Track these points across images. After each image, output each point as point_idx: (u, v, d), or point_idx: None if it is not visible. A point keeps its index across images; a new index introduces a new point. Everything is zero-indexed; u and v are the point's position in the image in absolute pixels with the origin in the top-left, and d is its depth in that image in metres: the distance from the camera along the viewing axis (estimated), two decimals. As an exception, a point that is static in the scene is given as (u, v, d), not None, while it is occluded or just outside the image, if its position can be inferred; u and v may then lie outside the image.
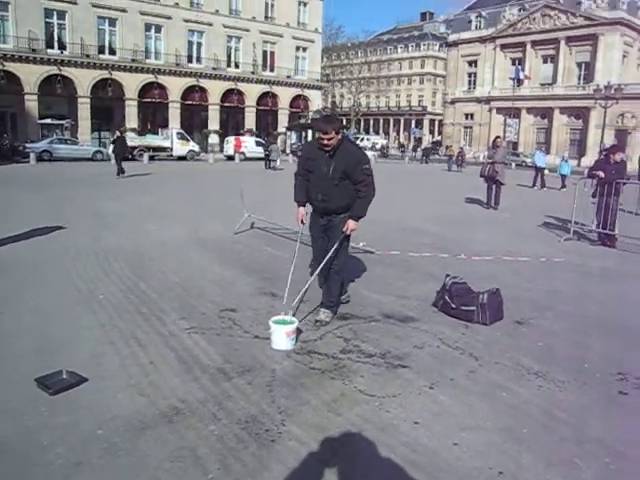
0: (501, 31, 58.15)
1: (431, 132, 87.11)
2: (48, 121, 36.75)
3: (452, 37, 65.06)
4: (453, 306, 5.37)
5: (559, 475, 2.93)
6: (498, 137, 15.54)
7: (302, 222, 5.31)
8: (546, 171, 24.63)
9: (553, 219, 12.35)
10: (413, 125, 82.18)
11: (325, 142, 4.82)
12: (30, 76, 37.89)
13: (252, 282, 6.49)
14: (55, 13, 38.91)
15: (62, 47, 39.46)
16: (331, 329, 4.99)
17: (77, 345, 4.49)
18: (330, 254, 5.08)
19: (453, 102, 63.83)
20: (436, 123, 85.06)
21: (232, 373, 4.03)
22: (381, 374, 4.11)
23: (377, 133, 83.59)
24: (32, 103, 38.24)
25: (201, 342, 4.60)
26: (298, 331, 4.64)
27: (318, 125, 5.05)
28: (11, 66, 37.24)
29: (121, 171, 21.03)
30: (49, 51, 38.69)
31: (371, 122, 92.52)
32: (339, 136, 4.86)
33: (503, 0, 59.80)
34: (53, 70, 38.83)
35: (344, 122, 77.92)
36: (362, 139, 61.58)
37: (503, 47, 58.50)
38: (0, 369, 4.01)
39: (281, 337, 4.45)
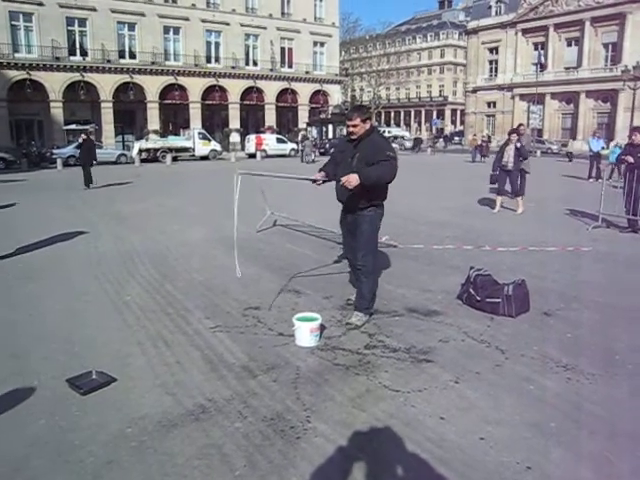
0: (522, 15, 57.15)
1: (453, 122, 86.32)
2: (73, 127, 37.41)
3: (472, 24, 64.14)
4: (478, 299, 5.32)
5: (589, 470, 2.88)
6: (521, 125, 15.30)
7: (315, 180, 5.18)
8: (603, 161, 20.23)
9: (580, 207, 12.13)
10: (434, 116, 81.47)
11: (351, 129, 4.81)
12: (54, 84, 38.73)
13: (275, 280, 6.51)
14: (76, 21, 39.74)
15: (84, 54, 40.26)
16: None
17: (105, 346, 4.57)
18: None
19: (474, 91, 63.05)
20: (458, 113, 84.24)
21: (257, 371, 4.06)
22: (406, 369, 4.09)
23: (398, 125, 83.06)
24: (57, 110, 39.09)
25: (226, 340, 4.64)
26: (322, 327, 4.64)
27: (347, 113, 5.02)
28: (36, 75, 38.18)
29: (89, 180, 18.10)
30: (72, 58, 39.49)
31: (392, 114, 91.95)
32: (366, 125, 4.81)
33: (523, -16, 58.83)
34: (76, 77, 39.61)
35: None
36: (383, 132, 61.29)
37: (525, 32, 57.50)
38: (32, 370, 4.11)
39: (305, 334, 4.46)
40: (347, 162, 4.86)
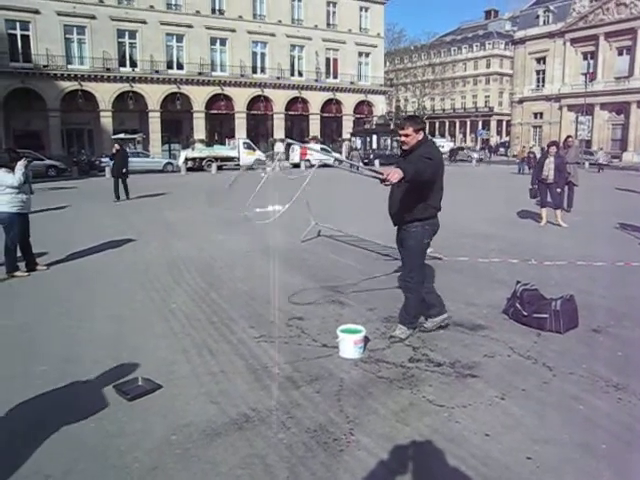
0: (571, 24, 55.93)
1: (498, 133, 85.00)
2: (122, 136, 38.37)
3: (518, 34, 63.13)
4: (525, 313, 5.22)
5: (642, 494, 2.79)
6: (569, 137, 14.97)
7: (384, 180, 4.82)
8: None
9: (631, 221, 11.76)
10: (480, 126, 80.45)
11: (402, 139, 4.73)
12: (105, 94, 39.97)
13: (319, 290, 6.53)
14: (127, 33, 40.92)
15: (133, 65, 41.38)
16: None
17: (151, 353, 4.67)
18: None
19: (521, 101, 61.96)
20: (504, 124, 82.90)
21: (300, 382, 4.08)
22: (450, 384, 4.04)
23: (443, 136, 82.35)
24: (107, 119, 40.28)
25: (270, 350, 4.68)
26: (366, 339, 4.64)
27: (399, 122, 4.92)
28: (88, 86, 39.50)
29: (125, 191, 17.59)
30: (122, 69, 40.66)
31: (436, 125, 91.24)
32: (419, 136, 4.69)
33: (572, -8, 57.70)
34: (125, 87, 40.77)
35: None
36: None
37: (573, 41, 56.25)
38: (82, 375, 4.23)
39: (349, 346, 4.46)
40: None
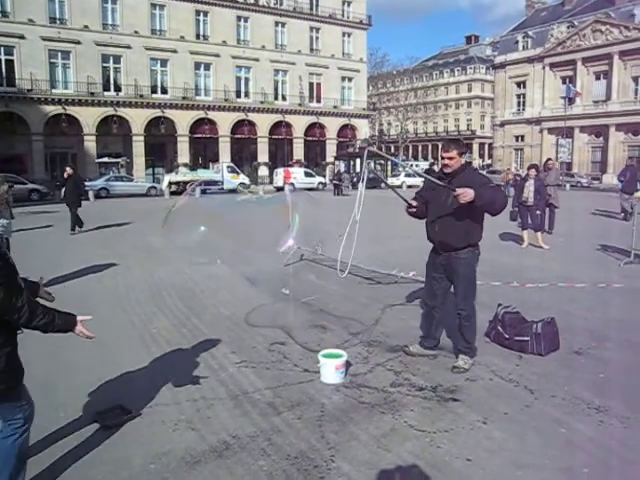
0: (549, 50, 57.23)
1: (481, 156, 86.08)
2: (105, 159, 38.42)
3: (499, 59, 64.44)
4: (506, 336, 5.23)
5: (624, 518, 2.78)
6: (549, 159, 15.18)
7: (411, 206, 4.85)
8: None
9: (612, 243, 11.90)
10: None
11: (446, 162, 4.61)
12: (89, 118, 39.94)
13: (301, 314, 6.49)
14: (111, 58, 41.15)
15: (118, 89, 41.48)
16: (381, 361, 4.94)
17: (131, 379, 4.61)
18: (456, 301, 4.87)
19: (502, 124, 62.97)
20: (486, 147, 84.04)
21: (282, 407, 4.04)
22: (432, 408, 4.03)
23: (425, 159, 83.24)
24: (90, 143, 40.22)
25: (251, 376, 4.63)
26: (347, 364, 4.61)
27: (442, 146, 4.78)
28: (72, 110, 39.48)
29: (77, 223, 14.83)
30: (106, 93, 40.73)
31: (419, 148, 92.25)
32: (462, 160, 4.66)
33: (550, 18, 59.03)
34: (109, 111, 40.80)
35: (392, 149, 78.00)
36: (411, 165, 61.51)
37: (552, 66, 57.48)
38: (59, 402, 4.15)
39: (330, 370, 4.44)
40: (439, 200, 4.64)
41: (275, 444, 3.52)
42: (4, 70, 37.71)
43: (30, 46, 37.83)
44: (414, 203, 4.83)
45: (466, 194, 4.25)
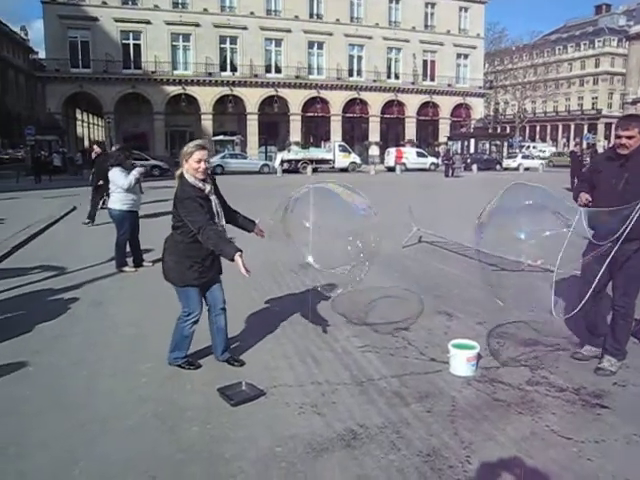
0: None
1: (606, 138, 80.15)
2: (221, 137, 39.81)
3: (634, 29, 59.08)
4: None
5: None
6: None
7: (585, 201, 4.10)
8: None
9: None
10: (585, 130, 76.22)
11: (623, 141, 3.99)
12: (206, 97, 41.65)
13: (424, 300, 6.20)
14: (228, 39, 42.46)
15: (234, 69, 42.82)
16: (514, 356, 4.57)
17: (253, 356, 4.57)
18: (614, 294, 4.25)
19: (634, 102, 58.04)
20: (612, 127, 78.16)
21: (409, 398, 3.83)
22: (576, 413, 3.63)
23: (543, 140, 78.85)
24: (207, 122, 41.97)
25: (375, 362, 4.45)
26: (479, 357, 4.30)
27: (618, 122, 4.15)
28: (191, 89, 41.46)
29: (94, 209, 12.28)
30: (222, 74, 42.21)
31: (537, 129, 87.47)
32: None
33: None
34: (225, 91, 42.22)
35: (507, 130, 74.61)
36: (527, 147, 58.52)
37: (696, 38, 52.12)
38: (185, 376, 4.21)
39: (461, 362, 4.15)
40: (610, 185, 4.04)
41: (405, 437, 3.32)
42: (132, 54, 40.37)
43: (155, 30, 40.09)
44: (588, 197, 4.10)
45: None
